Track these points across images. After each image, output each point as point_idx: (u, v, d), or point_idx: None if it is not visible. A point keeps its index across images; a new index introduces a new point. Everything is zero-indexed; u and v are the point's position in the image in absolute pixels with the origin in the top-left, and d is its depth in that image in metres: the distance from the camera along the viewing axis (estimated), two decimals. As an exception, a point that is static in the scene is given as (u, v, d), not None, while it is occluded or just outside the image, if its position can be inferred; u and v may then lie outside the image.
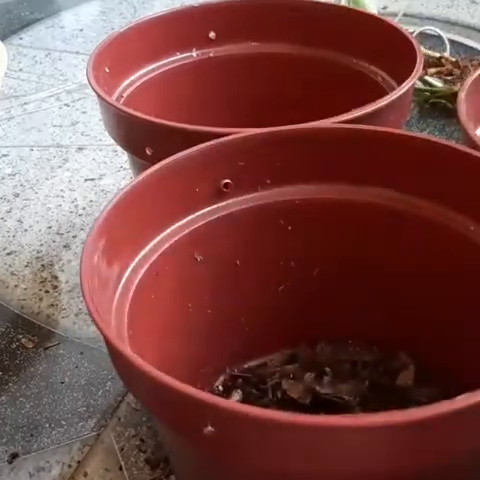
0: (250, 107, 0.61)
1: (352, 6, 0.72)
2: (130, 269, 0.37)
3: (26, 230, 0.65)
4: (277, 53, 0.60)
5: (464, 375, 0.36)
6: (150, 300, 0.37)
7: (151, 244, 0.38)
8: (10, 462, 0.45)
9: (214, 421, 0.25)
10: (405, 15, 0.99)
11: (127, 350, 0.28)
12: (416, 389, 0.42)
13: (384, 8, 1.02)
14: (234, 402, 0.25)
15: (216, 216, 0.41)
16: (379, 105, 0.44)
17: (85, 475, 0.44)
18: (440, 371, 0.41)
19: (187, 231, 0.40)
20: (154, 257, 0.38)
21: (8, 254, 0.62)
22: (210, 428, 0.25)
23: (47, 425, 0.47)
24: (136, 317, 0.35)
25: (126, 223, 0.36)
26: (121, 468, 0.44)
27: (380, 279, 0.43)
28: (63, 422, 0.47)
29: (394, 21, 0.57)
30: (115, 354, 0.29)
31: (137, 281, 0.36)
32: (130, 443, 0.45)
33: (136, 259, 0.37)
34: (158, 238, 0.39)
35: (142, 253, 0.38)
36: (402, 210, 0.40)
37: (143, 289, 0.36)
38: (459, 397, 0.24)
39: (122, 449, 0.45)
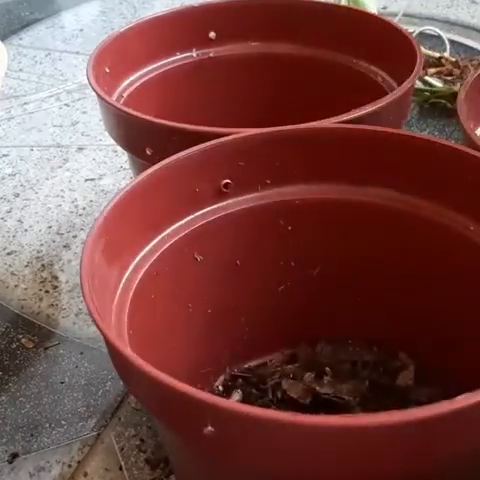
0: (250, 107, 0.61)
1: (352, 6, 0.72)
2: (130, 269, 0.37)
3: (26, 230, 0.65)
4: (277, 53, 0.60)
5: (464, 375, 0.36)
6: (150, 300, 0.37)
7: (151, 244, 0.38)
8: (10, 462, 0.45)
9: (214, 421, 0.25)
10: (405, 15, 0.99)
11: (127, 350, 0.28)
12: (416, 389, 0.42)
13: (384, 8, 1.02)
14: (234, 402, 0.25)
15: (216, 216, 0.41)
16: (379, 105, 0.44)
17: (85, 475, 0.44)
18: (440, 371, 0.41)
19: (187, 231, 0.39)
20: (154, 257, 0.38)
21: (8, 254, 0.62)
22: (210, 428, 0.25)
23: (47, 425, 0.47)
24: (136, 317, 0.35)
25: (126, 223, 0.36)
26: (121, 468, 0.44)
27: (380, 279, 0.43)
28: (63, 422, 0.47)
29: (394, 21, 0.57)
30: (115, 354, 0.29)
31: (137, 281, 0.36)
32: (130, 443, 0.45)
33: (136, 259, 0.37)
34: (158, 238, 0.39)
35: (142, 253, 0.38)
36: (402, 210, 0.40)
37: (143, 289, 0.36)
38: (459, 397, 0.24)
39: (122, 449, 0.45)
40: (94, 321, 0.29)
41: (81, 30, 1.08)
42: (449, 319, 0.40)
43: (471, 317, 0.39)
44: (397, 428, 0.24)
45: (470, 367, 0.38)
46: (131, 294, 0.35)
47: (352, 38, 0.57)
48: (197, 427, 0.25)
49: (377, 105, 0.44)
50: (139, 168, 0.50)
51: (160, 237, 0.39)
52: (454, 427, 0.25)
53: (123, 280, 0.36)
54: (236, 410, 0.24)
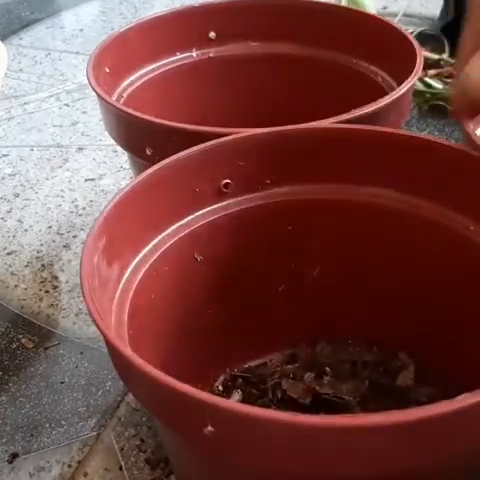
0: (250, 107, 0.61)
1: (352, 6, 0.72)
2: (130, 269, 0.37)
3: (26, 230, 0.65)
4: (277, 53, 0.60)
5: (464, 375, 0.36)
6: (150, 300, 0.37)
7: (151, 244, 0.38)
8: (10, 462, 0.45)
9: (214, 421, 0.25)
10: (405, 15, 0.99)
11: (127, 350, 0.28)
12: (416, 389, 0.42)
13: (384, 8, 1.02)
14: (234, 402, 0.25)
15: (216, 216, 0.41)
16: (379, 105, 0.44)
17: (85, 475, 0.44)
18: (440, 371, 0.41)
19: (187, 231, 0.39)
20: (154, 257, 0.38)
21: (8, 254, 0.62)
22: (210, 428, 0.25)
23: (47, 425, 0.47)
24: (136, 317, 0.35)
25: (126, 223, 0.36)
26: (121, 468, 0.44)
27: (380, 279, 0.43)
28: (63, 422, 0.47)
29: (394, 21, 0.57)
30: (115, 354, 0.29)
31: (137, 281, 0.36)
32: (130, 443, 0.45)
33: (136, 259, 0.37)
34: (158, 238, 0.39)
35: (142, 253, 0.38)
36: (402, 210, 0.40)
37: (143, 289, 0.36)
38: (459, 397, 0.24)
39: (122, 449, 0.45)
40: (94, 321, 0.29)
41: (81, 30, 1.08)
42: (449, 319, 0.40)
43: (471, 317, 0.39)
44: (397, 428, 0.24)
45: (470, 367, 0.38)
46: (131, 294, 0.35)
47: (352, 38, 0.57)
48: (197, 427, 0.25)
49: (377, 105, 0.44)
50: (139, 168, 0.50)
51: (160, 237, 0.39)
52: (454, 427, 0.25)
53: (123, 280, 0.36)
54: (236, 410, 0.24)
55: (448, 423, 0.25)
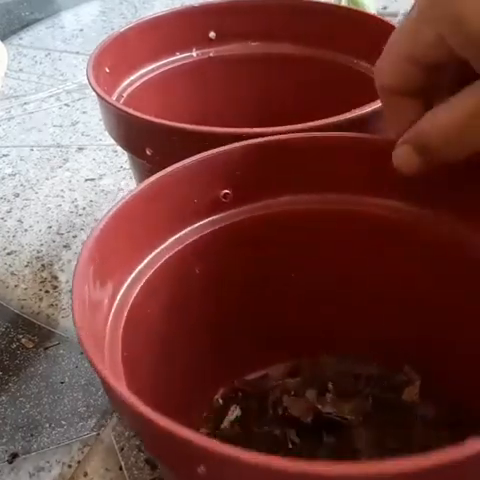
0: (250, 107, 0.61)
1: (351, 6, 0.72)
2: (126, 285, 0.35)
3: (26, 230, 0.65)
4: (277, 53, 0.60)
5: (472, 388, 0.36)
6: (147, 315, 0.36)
7: (147, 259, 0.37)
8: (10, 462, 0.45)
9: (206, 463, 0.24)
10: (405, 15, 0.99)
11: (121, 386, 0.26)
12: (422, 405, 0.41)
13: (384, 8, 1.02)
14: (226, 446, 0.24)
15: (214, 228, 0.39)
16: (379, 105, 0.44)
17: (85, 475, 0.44)
18: (445, 381, 0.40)
19: (185, 244, 0.38)
20: (151, 272, 0.37)
21: (8, 254, 0.62)
22: (203, 468, 0.25)
23: (47, 425, 0.47)
24: (132, 333, 0.33)
25: (121, 238, 0.35)
26: (121, 468, 0.44)
27: (384, 291, 0.42)
28: (63, 422, 0.47)
29: (394, 21, 0.57)
30: (112, 395, 0.28)
31: (133, 297, 0.35)
32: (130, 443, 0.45)
33: (132, 275, 0.36)
34: (154, 252, 0.37)
35: (138, 268, 0.36)
36: (401, 219, 0.40)
37: (139, 305, 0.35)
38: (468, 441, 0.23)
39: (122, 449, 0.45)
40: (86, 354, 0.28)
41: (81, 30, 1.08)
42: (451, 322, 0.40)
43: (477, 324, 0.38)
44: (404, 477, 0.23)
45: (475, 379, 0.37)
46: (126, 312, 0.34)
47: (352, 38, 0.57)
48: (191, 466, 0.25)
49: (377, 105, 0.44)
50: (139, 168, 0.50)
51: (157, 251, 0.37)
52: (465, 472, 0.24)
53: (118, 298, 0.34)
54: (227, 454, 0.23)
55: (459, 469, 0.23)
